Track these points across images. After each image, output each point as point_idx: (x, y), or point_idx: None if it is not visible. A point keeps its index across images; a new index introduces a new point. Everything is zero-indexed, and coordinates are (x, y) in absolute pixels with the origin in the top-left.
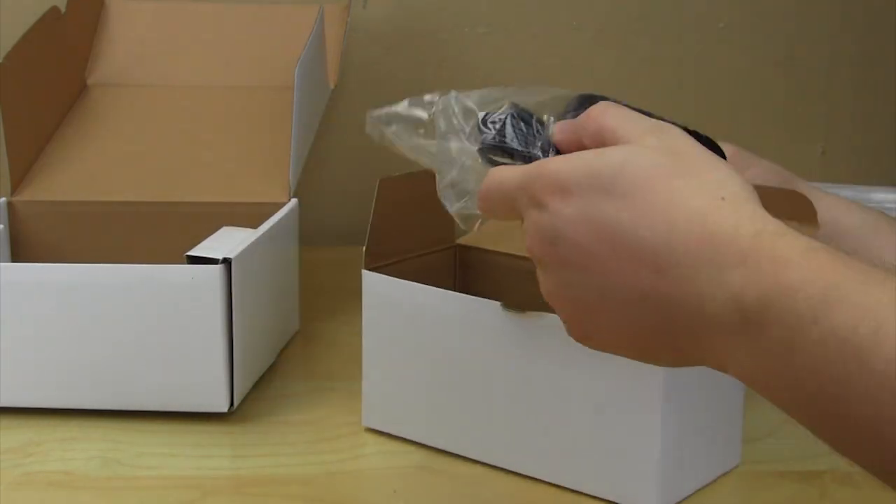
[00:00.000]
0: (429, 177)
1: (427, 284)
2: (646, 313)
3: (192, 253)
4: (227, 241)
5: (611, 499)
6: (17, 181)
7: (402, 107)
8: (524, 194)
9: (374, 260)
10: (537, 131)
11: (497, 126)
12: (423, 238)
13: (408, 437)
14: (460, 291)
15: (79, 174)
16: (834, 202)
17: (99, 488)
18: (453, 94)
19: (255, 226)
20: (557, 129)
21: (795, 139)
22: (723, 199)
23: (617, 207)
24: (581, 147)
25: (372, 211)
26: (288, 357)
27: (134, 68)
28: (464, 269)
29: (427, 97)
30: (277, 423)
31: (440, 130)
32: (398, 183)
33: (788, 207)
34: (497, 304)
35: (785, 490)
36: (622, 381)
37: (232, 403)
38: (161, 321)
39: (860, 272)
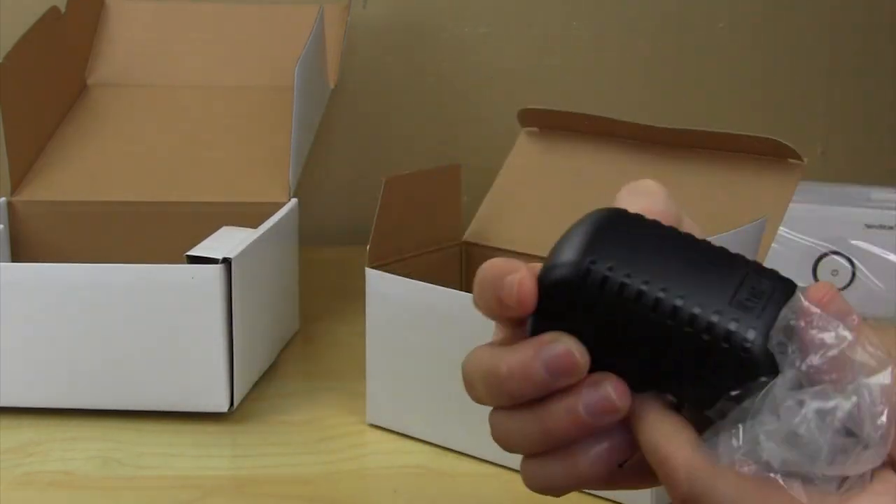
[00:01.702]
0: (434, 176)
1: (432, 282)
2: None
3: (192, 253)
4: (227, 241)
5: (610, 497)
6: (17, 181)
7: None
8: None
9: (376, 258)
10: None
11: None
12: (428, 236)
13: (411, 435)
14: (468, 289)
15: (79, 174)
16: None
17: (99, 488)
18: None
19: (255, 226)
20: None
21: (795, 139)
22: None
23: None
24: None
25: (377, 210)
26: (288, 357)
27: (134, 68)
28: (472, 267)
29: None
30: (277, 423)
31: None
32: (404, 182)
33: None
34: None
35: None
36: None
37: (232, 403)
38: (161, 321)
39: None
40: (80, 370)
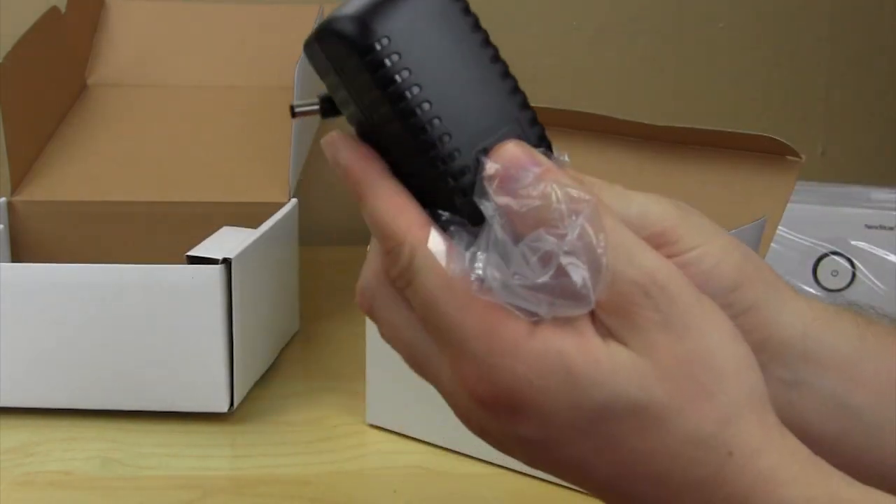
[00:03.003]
0: None
1: None
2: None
3: (192, 253)
4: (227, 241)
5: None
6: (17, 181)
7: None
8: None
9: None
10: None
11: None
12: None
13: (410, 434)
14: None
15: (79, 174)
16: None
17: (99, 488)
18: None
19: (255, 226)
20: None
21: (795, 139)
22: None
23: (599, 452)
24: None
25: None
26: (288, 357)
27: (134, 68)
28: None
29: None
30: (277, 423)
31: None
32: None
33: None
34: None
35: None
36: None
37: (232, 403)
38: (161, 321)
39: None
40: (80, 370)
